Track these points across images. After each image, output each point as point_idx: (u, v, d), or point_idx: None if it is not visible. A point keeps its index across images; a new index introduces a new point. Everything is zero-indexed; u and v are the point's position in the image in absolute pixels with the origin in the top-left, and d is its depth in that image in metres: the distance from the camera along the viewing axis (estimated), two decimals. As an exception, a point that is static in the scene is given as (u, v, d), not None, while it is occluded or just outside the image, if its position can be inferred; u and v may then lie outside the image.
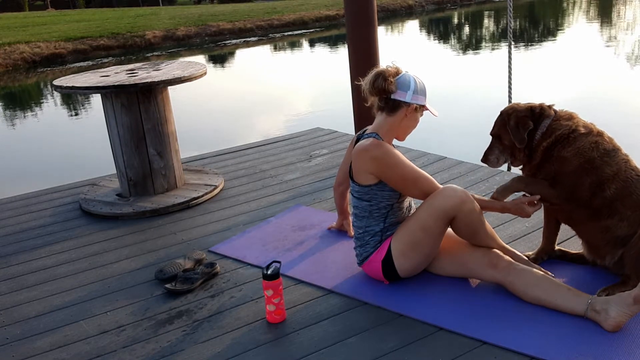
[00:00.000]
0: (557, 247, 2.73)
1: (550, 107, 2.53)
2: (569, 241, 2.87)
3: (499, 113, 2.61)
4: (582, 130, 2.42)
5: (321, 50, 18.28)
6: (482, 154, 2.63)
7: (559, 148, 2.41)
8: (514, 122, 2.48)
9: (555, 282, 2.35)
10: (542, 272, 2.43)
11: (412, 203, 2.73)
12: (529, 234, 3.01)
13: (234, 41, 20.81)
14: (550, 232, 2.69)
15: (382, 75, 2.52)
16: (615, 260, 2.44)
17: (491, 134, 2.61)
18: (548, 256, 2.70)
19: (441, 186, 2.53)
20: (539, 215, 2.99)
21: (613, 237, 2.40)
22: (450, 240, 2.62)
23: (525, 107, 2.53)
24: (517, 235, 3.01)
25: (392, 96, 2.52)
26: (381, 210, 2.57)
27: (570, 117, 2.49)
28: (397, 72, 2.55)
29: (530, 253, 2.72)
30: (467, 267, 2.54)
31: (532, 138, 2.48)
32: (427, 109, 2.60)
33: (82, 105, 11.60)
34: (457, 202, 2.41)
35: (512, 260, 2.46)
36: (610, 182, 2.35)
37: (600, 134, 2.45)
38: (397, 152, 2.54)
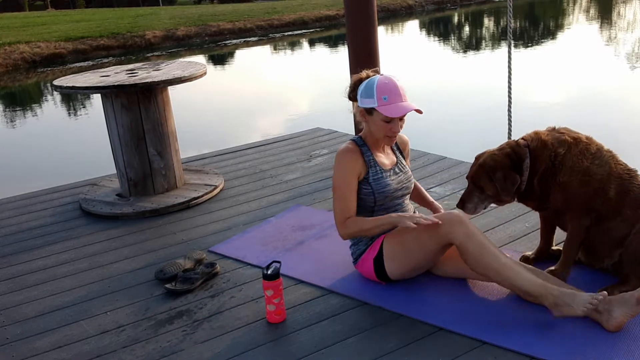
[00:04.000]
0: (555, 247, 2.73)
1: (518, 143, 2.45)
2: (569, 241, 2.87)
3: (474, 159, 2.53)
4: (561, 150, 2.37)
5: (321, 50, 18.28)
6: (459, 200, 2.54)
7: (551, 178, 2.38)
8: (502, 176, 2.40)
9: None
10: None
11: (410, 206, 2.73)
12: (529, 234, 3.01)
13: (234, 41, 20.79)
14: (547, 233, 2.69)
15: (352, 83, 2.56)
16: (614, 262, 2.43)
17: (473, 183, 2.50)
18: (547, 256, 2.69)
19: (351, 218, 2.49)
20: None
21: (613, 238, 2.40)
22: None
23: (503, 155, 2.42)
24: (517, 235, 3.01)
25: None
26: (359, 213, 2.57)
27: (542, 143, 2.39)
28: (367, 78, 2.51)
29: (529, 253, 2.72)
30: (470, 273, 2.52)
31: (519, 185, 2.41)
32: (378, 111, 2.42)
33: (82, 105, 11.59)
34: (450, 230, 2.33)
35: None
36: (608, 183, 2.35)
37: (577, 140, 2.39)
38: (347, 165, 2.50)
